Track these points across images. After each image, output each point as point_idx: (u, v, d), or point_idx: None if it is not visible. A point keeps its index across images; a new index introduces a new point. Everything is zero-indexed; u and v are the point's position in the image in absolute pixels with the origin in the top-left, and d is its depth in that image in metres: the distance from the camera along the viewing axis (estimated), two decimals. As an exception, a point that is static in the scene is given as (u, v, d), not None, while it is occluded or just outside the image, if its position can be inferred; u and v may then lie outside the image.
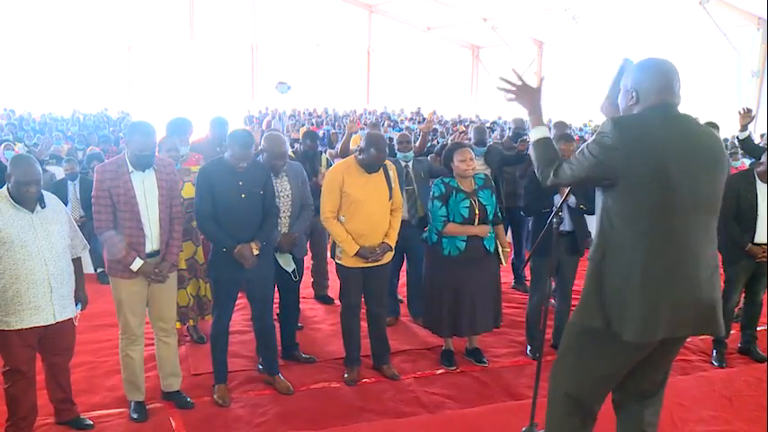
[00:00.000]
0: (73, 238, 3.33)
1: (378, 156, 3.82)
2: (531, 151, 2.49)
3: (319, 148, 5.69)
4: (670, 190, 2.18)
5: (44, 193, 3.21)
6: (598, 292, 2.30)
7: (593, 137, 2.29)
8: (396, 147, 5.12)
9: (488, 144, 5.88)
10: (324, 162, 5.32)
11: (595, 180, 2.32)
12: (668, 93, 2.28)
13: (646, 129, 2.21)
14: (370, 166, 3.86)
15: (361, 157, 3.87)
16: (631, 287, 2.21)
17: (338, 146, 6.20)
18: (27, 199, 3.09)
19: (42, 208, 3.17)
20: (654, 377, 2.50)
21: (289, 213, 4.09)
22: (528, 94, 2.48)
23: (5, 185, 3.13)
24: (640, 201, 2.20)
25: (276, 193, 3.97)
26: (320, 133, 14.19)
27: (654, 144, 2.19)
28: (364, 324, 4.20)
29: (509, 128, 7.69)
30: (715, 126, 5.72)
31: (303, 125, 17.07)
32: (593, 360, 2.39)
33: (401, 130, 14.66)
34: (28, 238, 3.08)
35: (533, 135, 2.48)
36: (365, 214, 3.86)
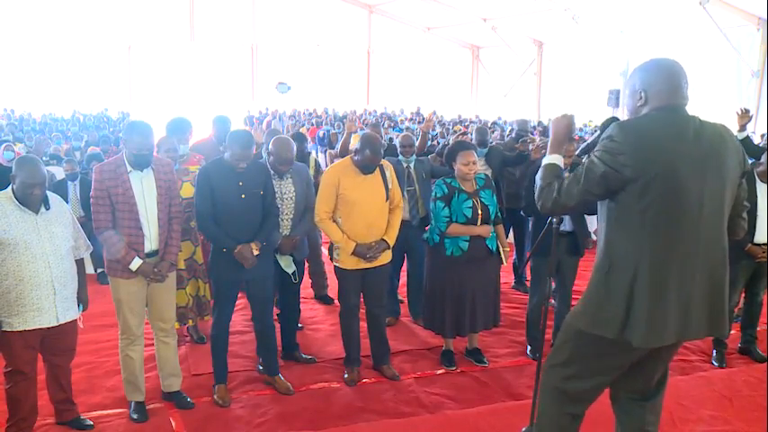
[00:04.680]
0: (76, 239, 3.33)
1: (372, 158, 3.81)
2: (538, 175, 2.44)
3: (314, 149, 5.68)
4: (678, 194, 2.17)
5: (48, 194, 3.21)
6: (607, 303, 2.27)
7: (599, 143, 2.25)
8: (399, 150, 5.12)
9: (490, 145, 5.87)
10: (312, 164, 5.30)
11: (606, 190, 2.23)
12: (676, 94, 2.26)
13: (652, 131, 2.20)
14: (365, 168, 3.85)
15: (356, 158, 3.87)
16: (640, 294, 2.20)
17: (338, 146, 6.20)
18: (31, 200, 3.09)
19: (47, 209, 3.17)
20: (652, 376, 2.50)
21: (291, 216, 4.07)
22: (565, 127, 2.50)
23: (10, 186, 3.13)
24: (649, 206, 2.18)
25: (280, 195, 3.97)
26: (320, 133, 14.19)
27: (661, 147, 2.17)
28: (364, 324, 4.20)
29: (510, 128, 7.69)
30: None
31: (303, 125, 17.07)
32: (589, 358, 2.39)
33: (401, 130, 14.65)
34: (32, 239, 3.08)
35: (546, 159, 2.44)
36: (361, 215, 3.86)
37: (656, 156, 2.16)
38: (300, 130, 10.20)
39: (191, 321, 4.59)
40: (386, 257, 4.03)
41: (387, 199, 3.96)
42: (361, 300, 4.12)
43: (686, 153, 2.18)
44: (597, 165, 2.21)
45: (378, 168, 3.92)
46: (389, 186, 3.97)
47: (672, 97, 2.26)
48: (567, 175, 2.36)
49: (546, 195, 2.34)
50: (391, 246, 4.02)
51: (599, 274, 2.32)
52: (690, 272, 2.22)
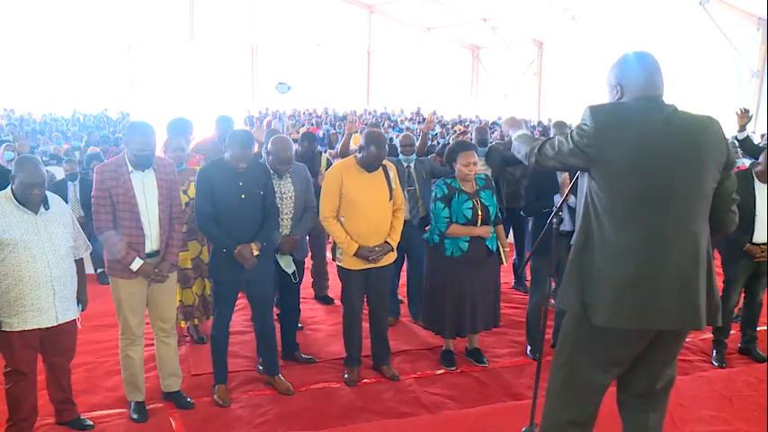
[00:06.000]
0: (76, 239, 3.34)
1: (377, 154, 3.80)
2: (513, 145, 2.67)
3: (319, 149, 5.69)
4: (646, 179, 2.20)
5: (48, 194, 3.21)
6: (578, 277, 2.32)
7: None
8: (399, 149, 5.11)
9: (490, 144, 5.87)
10: (324, 162, 5.31)
11: (574, 166, 2.38)
12: (651, 86, 2.30)
13: (622, 117, 2.25)
14: (369, 165, 3.84)
15: (360, 155, 3.86)
16: (606, 274, 2.23)
17: (338, 146, 6.21)
18: (31, 201, 3.09)
19: (46, 210, 3.17)
20: (655, 378, 2.48)
21: (291, 215, 4.07)
22: (510, 126, 2.93)
23: (9, 187, 3.13)
24: (616, 189, 2.23)
25: (279, 195, 3.97)
26: (320, 133, 14.20)
27: (629, 132, 2.21)
28: (365, 324, 4.20)
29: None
30: None
31: (303, 125, 17.07)
32: (589, 349, 2.38)
33: (401, 130, 14.66)
34: (32, 240, 3.08)
35: (516, 134, 2.74)
36: (365, 215, 3.85)
37: (621, 140, 2.21)
38: (301, 130, 10.20)
39: (196, 320, 4.61)
40: (390, 258, 4.03)
41: (390, 199, 3.95)
42: (364, 300, 4.12)
43: (654, 140, 2.20)
44: (568, 142, 2.33)
45: (381, 168, 3.92)
46: (393, 186, 3.97)
47: (646, 89, 2.30)
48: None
49: (528, 155, 2.57)
50: (395, 248, 4.02)
51: (575, 249, 2.37)
52: (658, 258, 2.21)
